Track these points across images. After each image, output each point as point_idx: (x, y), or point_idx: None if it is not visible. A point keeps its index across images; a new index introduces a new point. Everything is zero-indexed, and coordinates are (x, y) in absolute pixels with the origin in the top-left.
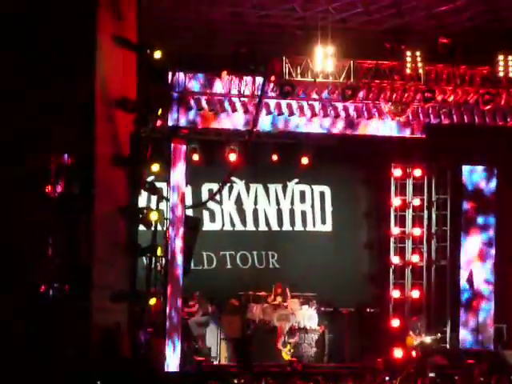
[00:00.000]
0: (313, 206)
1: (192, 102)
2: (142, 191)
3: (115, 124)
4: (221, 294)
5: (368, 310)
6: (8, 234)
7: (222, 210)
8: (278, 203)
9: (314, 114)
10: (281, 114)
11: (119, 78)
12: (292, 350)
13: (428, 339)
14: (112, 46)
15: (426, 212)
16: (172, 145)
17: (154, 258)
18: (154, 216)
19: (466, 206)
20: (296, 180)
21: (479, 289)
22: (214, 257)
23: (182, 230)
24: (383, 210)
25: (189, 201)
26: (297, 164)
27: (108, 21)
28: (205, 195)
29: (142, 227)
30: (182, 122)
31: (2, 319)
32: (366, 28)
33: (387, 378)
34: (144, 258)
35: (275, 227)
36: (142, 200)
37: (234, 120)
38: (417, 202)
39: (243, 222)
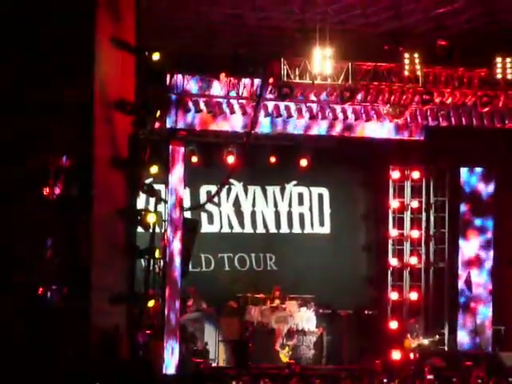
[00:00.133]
0: (311, 208)
1: (190, 104)
2: (141, 193)
3: (114, 126)
4: (219, 296)
5: (366, 312)
6: (7, 234)
7: (220, 212)
8: (275, 205)
9: (312, 116)
10: (279, 116)
11: (118, 79)
12: (290, 352)
13: (426, 341)
14: (111, 47)
15: (424, 214)
16: (170, 147)
17: (152, 260)
18: (152, 218)
19: (464, 208)
20: (294, 182)
21: (477, 291)
22: (212, 259)
23: (180, 232)
24: (381, 212)
25: (187, 203)
26: (295, 166)
27: (107, 22)
28: (203, 197)
29: (140, 229)
30: (181, 124)
31: (2, 320)
32: (364, 30)
33: (385, 380)
34: (142, 260)
35: (273, 229)
36: (141, 202)
37: (232, 122)
38: (415, 204)
39: (241, 224)
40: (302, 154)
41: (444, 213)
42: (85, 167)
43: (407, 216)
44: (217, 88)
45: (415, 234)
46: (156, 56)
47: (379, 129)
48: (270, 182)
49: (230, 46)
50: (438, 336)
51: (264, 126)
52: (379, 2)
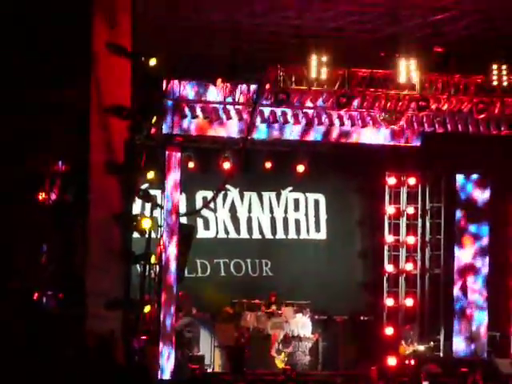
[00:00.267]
0: (307, 214)
1: (186, 110)
2: (136, 198)
3: (110, 131)
4: (215, 302)
5: (362, 318)
6: (3, 239)
7: (216, 218)
8: (271, 211)
9: (308, 122)
10: (275, 121)
11: (114, 85)
12: (286, 358)
13: (421, 348)
14: (107, 53)
15: (419, 220)
16: (166, 152)
17: (147, 266)
18: (147, 223)
19: (460, 214)
20: (290, 188)
21: (473, 297)
22: (207, 264)
23: (175, 238)
24: (377, 219)
25: (183, 208)
26: (291, 172)
27: (103, 28)
28: (199, 203)
29: (136, 234)
30: (177, 130)
31: None
32: (360, 36)
33: None
34: (138, 266)
35: (269, 235)
36: (137, 207)
37: (228, 128)
38: (411, 210)
39: (237, 229)
40: (298, 160)
41: (440, 219)
42: (81, 172)
43: (403, 222)
44: (213, 93)
45: (411, 240)
46: (152, 61)
47: (375, 135)
48: (266, 187)
49: (226, 51)
50: (432, 342)
51: (260, 131)
52: (376, 9)
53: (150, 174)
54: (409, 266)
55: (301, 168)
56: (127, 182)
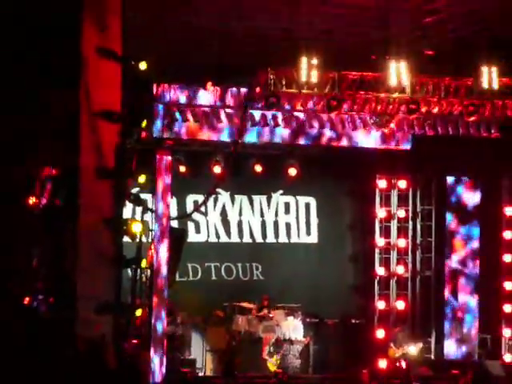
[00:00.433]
0: (297, 218)
1: (177, 114)
2: (127, 202)
3: (100, 135)
4: (206, 306)
5: (353, 321)
6: None
7: (207, 222)
8: (262, 215)
9: (298, 126)
10: (266, 125)
11: (104, 89)
12: (278, 362)
13: (411, 350)
14: (96, 57)
15: (410, 223)
16: (157, 156)
17: (138, 270)
18: (138, 227)
19: (451, 217)
20: (281, 191)
21: (463, 300)
22: (199, 268)
23: (166, 242)
24: (368, 222)
25: (174, 212)
26: (282, 175)
27: (92, 32)
28: (190, 206)
29: (127, 238)
30: (167, 134)
31: None
32: (350, 39)
33: None
34: (129, 270)
35: (259, 239)
36: (127, 211)
37: (219, 131)
38: (401, 213)
39: (228, 233)
40: (288, 163)
41: (431, 222)
42: (71, 176)
43: (394, 225)
44: (203, 97)
45: (402, 243)
46: (142, 65)
47: (366, 138)
48: (257, 191)
49: (216, 55)
50: (423, 344)
51: (251, 135)
52: (366, 11)
53: (141, 178)
54: (400, 269)
55: (292, 171)
56: (118, 186)
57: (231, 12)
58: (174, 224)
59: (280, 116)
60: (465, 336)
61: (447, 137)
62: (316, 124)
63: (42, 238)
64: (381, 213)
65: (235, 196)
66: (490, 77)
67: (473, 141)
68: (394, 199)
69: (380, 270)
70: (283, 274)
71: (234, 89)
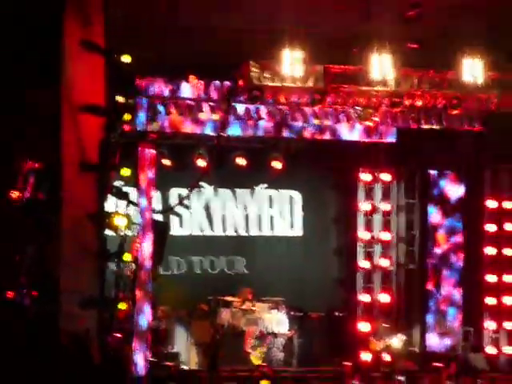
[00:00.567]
0: (281, 211)
1: (160, 107)
2: (110, 196)
3: (83, 129)
4: (190, 299)
5: (337, 314)
6: None
7: (191, 215)
8: (245, 208)
9: (282, 119)
10: (249, 118)
11: (87, 83)
12: (262, 355)
13: (394, 343)
14: (79, 50)
15: (394, 216)
16: (140, 149)
17: (122, 264)
18: (121, 221)
19: (434, 210)
20: (264, 185)
21: (447, 293)
22: (182, 262)
23: (150, 235)
24: (352, 215)
25: (157, 206)
26: (265, 169)
27: (75, 25)
28: (173, 200)
29: (110, 232)
30: (151, 127)
31: None
32: (334, 33)
33: (356, 382)
34: (112, 264)
35: (243, 232)
36: (111, 205)
37: (202, 124)
38: (385, 206)
39: (211, 227)
40: (272, 156)
41: (414, 215)
42: (54, 170)
43: (378, 218)
44: (187, 90)
45: (386, 236)
46: (126, 59)
47: (349, 131)
48: (241, 184)
49: (199, 48)
50: (405, 337)
51: (234, 128)
52: (349, 4)
53: (124, 172)
54: (383, 262)
55: (276, 165)
56: (101, 180)
57: (214, 5)
58: (158, 217)
59: (263, 109)
60: (448, 329)
61: (431, 130)
62: (299, 117)
63: (24, 232)
64: (364, 206)
65: (219, 189)
66: (472, 70)
67: (456, 134)
68: (378, 192)
69: (364, 263)
70: (267, 267)
71: (217, 82)
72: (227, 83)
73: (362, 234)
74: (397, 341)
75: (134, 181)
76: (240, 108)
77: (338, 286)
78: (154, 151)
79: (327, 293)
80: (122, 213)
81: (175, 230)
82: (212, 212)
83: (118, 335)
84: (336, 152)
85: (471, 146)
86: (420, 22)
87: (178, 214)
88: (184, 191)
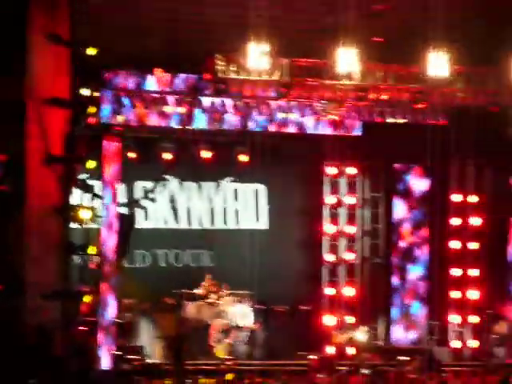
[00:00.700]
0: (246, 204)
1: (126, 100)
2: (75, 189)
3: (48, 121)
4: (155, 293)
5: (302, 307)
6: None
7: (156, 208)
8: (210, 201)
9: (248, 112)
10: (215, 111)
11: (52, 75)
12: (227, 348)
13: (359, 336)
14: (44, 43)
15: (359, 210)
16: (105, 142)
17: (87, 256)
18: (86, 214)
19: (399, 204)
20: (230, 178)
21: (412, 286)
22: (147, 255)
23: (115, 228)
24: (317, 208)
25: (122, 198)
26: (231, 162)
27: (40, 18)
28: (138, 193)
29: (75, 225)
30: (116, 120)
31: None
32: (300, 26)
33: (321, 376)
34: (77, 256)
35: (208, 225)
36: (76, 198)
37: (167, 118)
38: (350, 199)
39: (176, 220)
40: (237, 150)
41: (379, 209)
42: (18, 163)
43: (343, 212)
44: (152, 84)
45: (351, 229)
46: (91, 51)
47: (315, 125)
48: (206, 177)
49: (165, 41)
50: (369, 330)
51: (200, 121)
52: None
53: (89, 164)
54: (348, 256)
55: (241, 158)
56: (66, 173)
57: None
58: (123, 210)
59: (229, 102)
60: (413, 322)
61: (396, 124)
62: (265, 110)
63: None
64: (330, 199)
65: (184, 182)
66: (437, 64)
67: (421, 128)
68: (343, 186)
69: (329, 257)
70: (232, 260)
71: (183, 75)
72: (193, 76)
73: (327, 228)
74: (361, 334)
75: (98, 174)
76: (205, 101)
77: (303, 279)
78: (119, 144)
79: (292, 286)
80: (87, 206)
81: (140, 222)
82: (177, 205)
83: (83, 328)
84: (301, 145)
85: (436, 140)
86: (385, 16)
87: (142, 207)
88: (149, 184)
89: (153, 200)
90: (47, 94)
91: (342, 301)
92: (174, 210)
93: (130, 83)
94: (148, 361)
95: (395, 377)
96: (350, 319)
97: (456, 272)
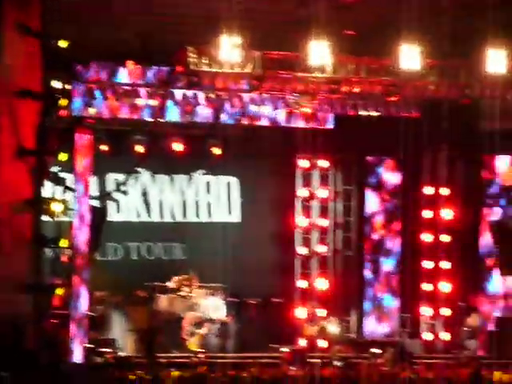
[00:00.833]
0: (218, 197)
1: (97, 92)
2: (47, 182)
3: (19, 114)
4: (127, 285)
5: (275, 300)
6: None
7: (128, 201)
8: (183, 194)
9: (220, 105)
10: (187, 104)
11: (23, 67)
12: (199, 341)
13: (332, 329)
14: (17, 36)
15: (331, 203)
16: (77, 135)
17: (59, 249)
18: (58, 207)
19: (371, 196)
20: (202, 171)
21: (384, 279)
22: (119, 248)
23: (87, 221)
24: (290, 201)
25: (94, 191)
26: (203, 155)
27: (13, 12)
28: (110, 185)
29: (47, 218)
30: (88, 112)
31: None
32: (272, 19)
33: (293, 368)
34: (49, 249)
35: (180, 218)
36: (47, 191)
37: (140, 110)
38: (323, 192)
39: (149, 212)
40: (210, 142)
41: (351, 201)
42: None
43: (315, 205)
44: (124, 76)
45: (323, 222)
46: (63, 44)
47: (287, 117)
48: (178, 170)
49: (136, 34)
50: (340, 322)
51: (172, 114)
52: None
53: (61, 157)
54: (321, 248)
55: (215, 150)
56: (37, 166)
57: None
58: (95, 203)
59: (201, 95)
60: (385, 315)
61: (368, 117)
62: (237, 103)
63: None
64: (302, 192)
65: (156, 175)
66: (409, 57)
67: (393, 120)
68: (316, 179)
69: (301, 250)
70: (204, 253)
71: (155, 67)
72: (165, 69)
73: (300, 221)
74: (333, 327)
75: (70, 166)
76: (178, 94)
77: (276, 271)
78: (90, 136)
79: (264, 279)
80: (59, 198)
81: (112, 215)
82: (149, 198)
83: (55, 321)
84: (274, 138)
85: (409, 133)
86: (357, 9)
87: (114, 200)
88: (121, 177)
89: (125, 193)
90: (18, 85)
91: (314, 293)
92: (146, 202)
93: (102, 76)
94: (120, 354)
95: (367, 369)
96: (323, 312)
97: (428, 264)
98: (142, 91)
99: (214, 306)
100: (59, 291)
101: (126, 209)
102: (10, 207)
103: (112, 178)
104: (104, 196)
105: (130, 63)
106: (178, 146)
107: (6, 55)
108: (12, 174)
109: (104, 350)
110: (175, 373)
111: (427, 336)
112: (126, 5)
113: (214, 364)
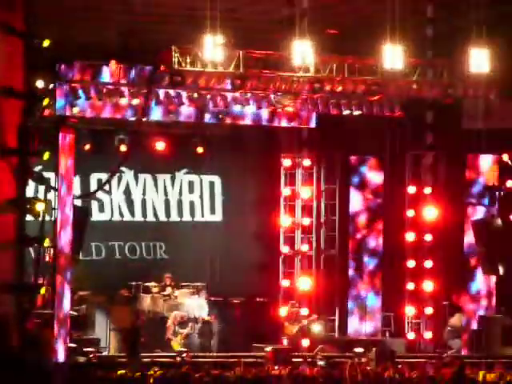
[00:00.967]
0: (202, 196)
1: (81, 92)
2: (30, 181)
3: (2, 114)
4: (110, 285)
5: (258, 299)
6: None
7: (111, 201)
8: (166, 194)
9: (203, 104)
10: (170, 103)
11: (5, 66)
12: (182, 341)
13: (316, 328)
14: None
15: (314, 202)
16: (60, 134)
17: (41, 249)
18: (41, 206)
19: (355, 195)
20: (185, 170)
21: (368, 278)
22: (102, 247)
23: (70, 220)
24: (273, 200)
25: (77, 191)
26: (186, 154)
27: None
28: (93, 185)
29: (30, 217)
30: (71, 112)
31: None
32: (255, 18)
33: (276, 367)
34: (32, 249)
35: (163, 218)
36: (30, 190)
37: (123, 109)
38: (306, 191)
39: (131, 212)
40: (193, 142)
41: (335, 200)
42: None
43: (298, 203)
44: (107, 75)
45: (306, 221)
46: (46, 43)
47: (270, 117)
48: (161, 170)
49: (119, 34)
50: (322, 321)
51: (155, 113)
52: None
53: (44, 156)
54: (304, 247)
55: (198, 150)
56: (20, 165)
57: None
58: (78, 203)
59: (184, 94)
60: (368, 314)
61: (351, 116)
62: (221, 102)
63: None
64: (285, 191)
65: (139, 175)
66: (392, 57)
67: (376, 120)
68: (299, 178)
69: (284, 249)
70: (188, 252)
71: (138, 67)
72: (148, 68)
73: (283, 220)
74: (317, 326)
75: (53, 166)
76: (161, 93)
77: (259, 271)
78: (73, 136)
79: (248, 278)
80: (42, 198)
81: (95, 215)
82: (132, 197)
83: (38, 321)
84: (257, 137)
85: (392, 132)
86: (340, 8)
87: (97, 199)
88: (104, 176)
89: (108, 192)
90: (1, 86)
91: (297, 293)
92: (129, 202)
93: (85, 75)
94: (103, 353)
95: (351, 368)
96: (306, 311)
97: (411, 263)
98: (125, 91)
99: (198, 306)
100: (42, 291)
101: (109, 208)
102: None
103: (95, 178)
104: (87, 195)
105: (112, 63)
106: (161, 146)
107: None
108: None
109: (87, 349)
110: (158, 372)
111: (411, 335)
112: (110, 4)
113: (198, 363)
